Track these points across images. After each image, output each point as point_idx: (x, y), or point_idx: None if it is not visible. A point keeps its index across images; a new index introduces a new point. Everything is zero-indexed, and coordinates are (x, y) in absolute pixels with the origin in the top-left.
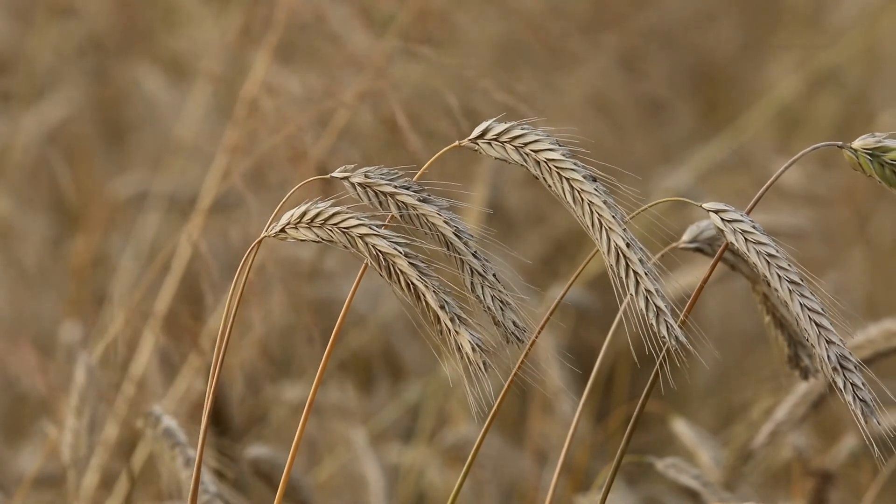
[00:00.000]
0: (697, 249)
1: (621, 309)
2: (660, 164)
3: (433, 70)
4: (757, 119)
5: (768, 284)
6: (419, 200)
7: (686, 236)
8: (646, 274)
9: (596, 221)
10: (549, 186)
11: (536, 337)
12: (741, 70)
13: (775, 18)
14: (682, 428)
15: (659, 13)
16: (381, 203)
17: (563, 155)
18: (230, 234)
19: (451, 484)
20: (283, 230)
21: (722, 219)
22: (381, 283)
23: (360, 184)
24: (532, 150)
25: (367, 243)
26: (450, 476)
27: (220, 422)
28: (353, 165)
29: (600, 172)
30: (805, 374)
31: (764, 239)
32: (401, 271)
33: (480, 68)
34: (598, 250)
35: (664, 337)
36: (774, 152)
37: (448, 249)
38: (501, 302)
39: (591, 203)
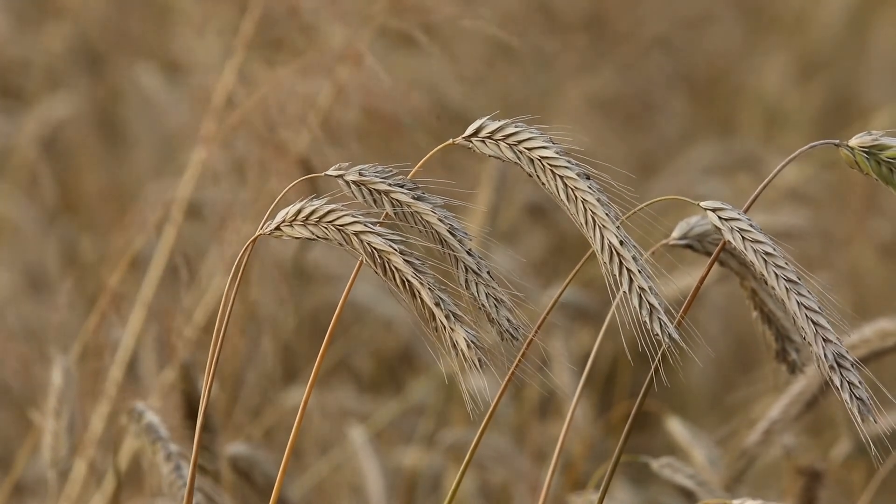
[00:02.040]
0: (688, 246)
1: (612, 306)
2: (657, 164)
3: (414, 64)
4: (752, 119)
5: (765, 283)
6: (413, 198)
7: (676, 233)
8: (639, 271)
9: (589, 219)
10: (543, 184)
11: (534, 335)
12: (736, 70)
13: (769, 17)
14: (676, 427)
15: (654, 14)
16: (375, 201)
17: (557, 153)
18: (213, 230)
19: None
20: (278, 228)
21: (719, 217)
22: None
23: (354, 181)
24: (525, 148)
25: (362, 240)
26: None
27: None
28: (347, 163)
29: (594, 171)
30: (792, 369)
31: (761, 237)
32: (396, 268)
33: (463, 64)
34: (591, 250)
35: (658, 335)
36: (770, 151)
37: (443, 247)
38: (496, 300)
39: (584, 201)
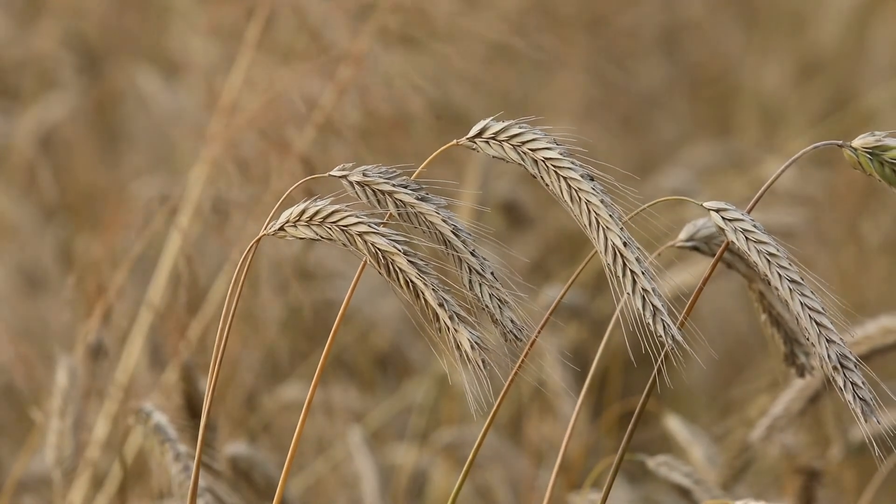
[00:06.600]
0: (694, 248)
1: (618, 308)
2: (652, 164)
3: (413, 63)
4: (750, 119)
5: (769, 283)
6: (417, 199)
7: (682, 235)
8: (643, 273)
9: (593, 220)
10: (547, 185)
11: (537, 336)
12: (735, 70)
13: (768, 18)
14: (674, 425)
15: (654, 14)
16: (378, 201)
17: (561, 154)
18: (218, 230)
19: (449, 483)
20: (282, 228)
21: (723, 217)
22: (383, 282)
23: (358, 182)
24: (530, 149)
25: (366, 241)
26: (448, 476)
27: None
28: (350, 164)
29: (597, 172)
30: (801, 372)
31: (764, 238)
32: (400, 269)
33: (463, 64)
34: (595, 251)
35: (661, 336)
36: (765, 150)
37: (446, 247)
38: (500, 300)
39: (588, 202)
